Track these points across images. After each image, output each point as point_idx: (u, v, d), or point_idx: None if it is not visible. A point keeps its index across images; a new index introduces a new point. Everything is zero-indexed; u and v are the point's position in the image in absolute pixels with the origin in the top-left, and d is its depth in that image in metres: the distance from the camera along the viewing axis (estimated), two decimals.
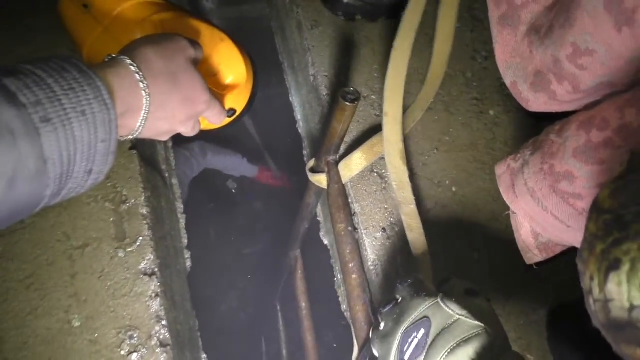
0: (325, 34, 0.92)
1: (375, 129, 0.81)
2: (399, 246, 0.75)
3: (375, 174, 0.80)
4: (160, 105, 0.43)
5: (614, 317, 0.31)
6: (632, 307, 0.30)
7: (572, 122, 0.60)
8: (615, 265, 0.31)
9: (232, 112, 0.58)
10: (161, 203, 0.89)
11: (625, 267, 0.31)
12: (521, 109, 0.89)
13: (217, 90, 0.56)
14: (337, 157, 0.77)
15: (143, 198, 0.78)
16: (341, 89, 0.60)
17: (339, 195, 0.75)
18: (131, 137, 0.45)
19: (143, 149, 0.90)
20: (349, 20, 0.93)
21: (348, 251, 0.71)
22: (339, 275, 1.01)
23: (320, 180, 0.78)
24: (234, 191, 1.99)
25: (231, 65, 0.56)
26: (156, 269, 0.75)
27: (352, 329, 0.71)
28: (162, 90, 0.43)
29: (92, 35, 0.50)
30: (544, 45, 0.62)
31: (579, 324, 0.68)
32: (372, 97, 0.86)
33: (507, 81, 0.74)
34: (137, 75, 0.41)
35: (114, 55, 0.42)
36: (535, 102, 0.69)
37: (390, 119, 0.75)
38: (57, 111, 0.33)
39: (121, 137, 0.44)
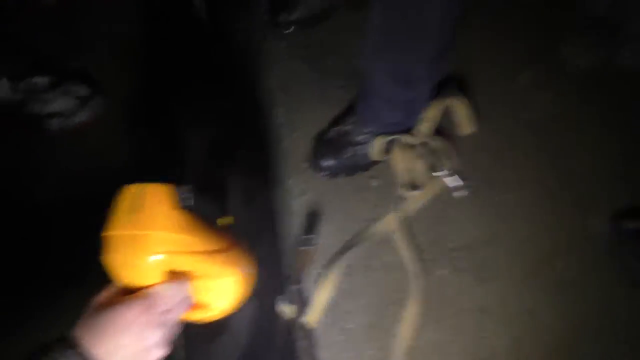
0: (310, 201, 1.12)
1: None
2: None
3: (338, 328, 0.97)
4: None
5: None
6: None
7: None
8: None
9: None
10: None
11: None
12: (467, 270, 1.04)
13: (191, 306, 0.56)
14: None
15: None
16: (299, 236, 0.78)
17: None
18: None
19: None
20: (332, 178, 1.11)
21: None
22: None
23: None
24: None
25: (221, 300, 0.57)
26: None
27: None
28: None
29: (120, 229, 0.51)
30: None
31: None
32: None
33: None
34: None
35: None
36: None
37: None
38: None
39: None
